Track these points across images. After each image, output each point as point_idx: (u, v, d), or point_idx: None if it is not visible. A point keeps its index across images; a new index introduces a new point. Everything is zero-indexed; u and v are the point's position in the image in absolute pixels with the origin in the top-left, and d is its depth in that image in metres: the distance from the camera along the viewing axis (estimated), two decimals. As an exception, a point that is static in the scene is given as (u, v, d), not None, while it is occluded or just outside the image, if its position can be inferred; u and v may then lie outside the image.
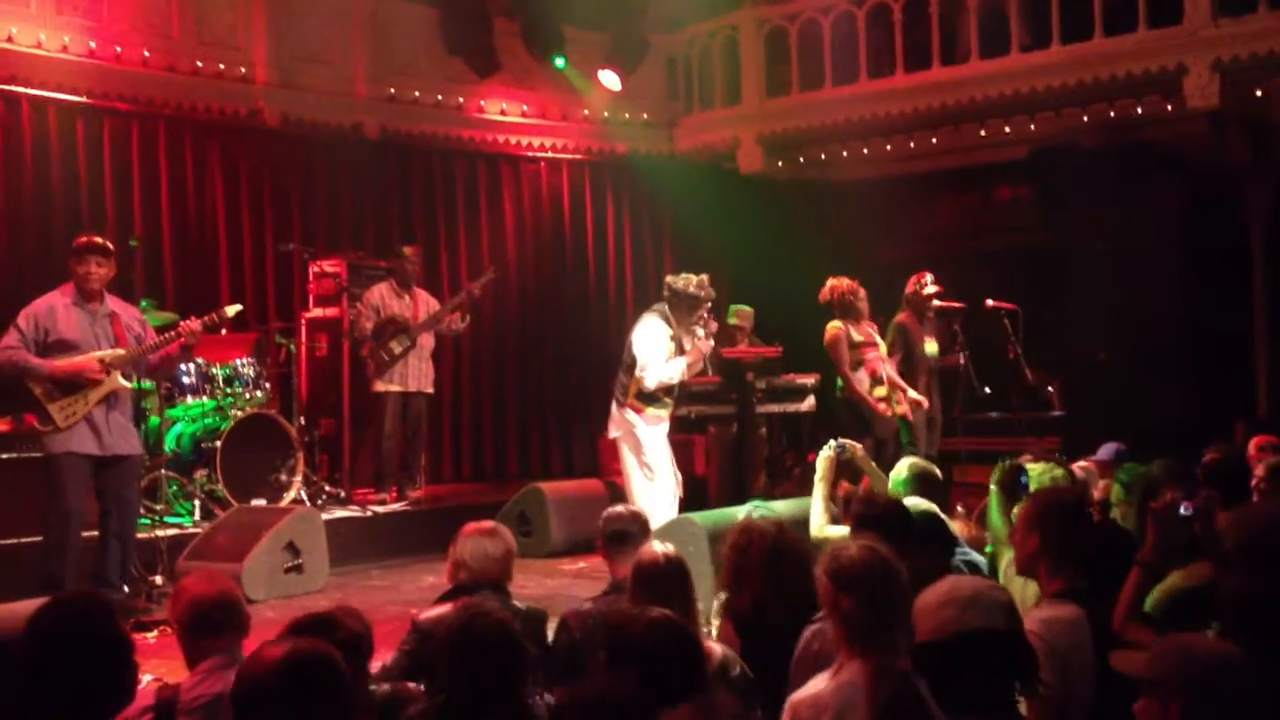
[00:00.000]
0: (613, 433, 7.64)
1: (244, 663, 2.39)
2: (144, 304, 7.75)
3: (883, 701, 2.79)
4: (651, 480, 7.40)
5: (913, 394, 8.55)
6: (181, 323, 6.61)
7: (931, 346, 8.91)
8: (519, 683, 2.94)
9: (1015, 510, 3.91)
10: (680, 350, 7.52)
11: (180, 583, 3.38)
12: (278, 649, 2.36)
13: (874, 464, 5.65)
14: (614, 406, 7.61)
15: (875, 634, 2.93)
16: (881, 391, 8.57)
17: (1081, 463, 5.70)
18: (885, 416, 8.50)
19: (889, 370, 8.51)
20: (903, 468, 5.15)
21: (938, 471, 5.23)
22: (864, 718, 2.80)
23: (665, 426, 7.64)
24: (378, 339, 9.15)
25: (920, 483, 4.99)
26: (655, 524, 5.78)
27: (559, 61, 11.71)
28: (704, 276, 7.63)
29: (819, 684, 2.98)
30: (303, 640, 2.42)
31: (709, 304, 7.57)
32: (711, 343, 7.74)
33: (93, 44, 9.44)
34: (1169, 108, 10.14)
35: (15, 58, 9.04)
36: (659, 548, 3.77)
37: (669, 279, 7.73)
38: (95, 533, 6.42)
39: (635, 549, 4.25)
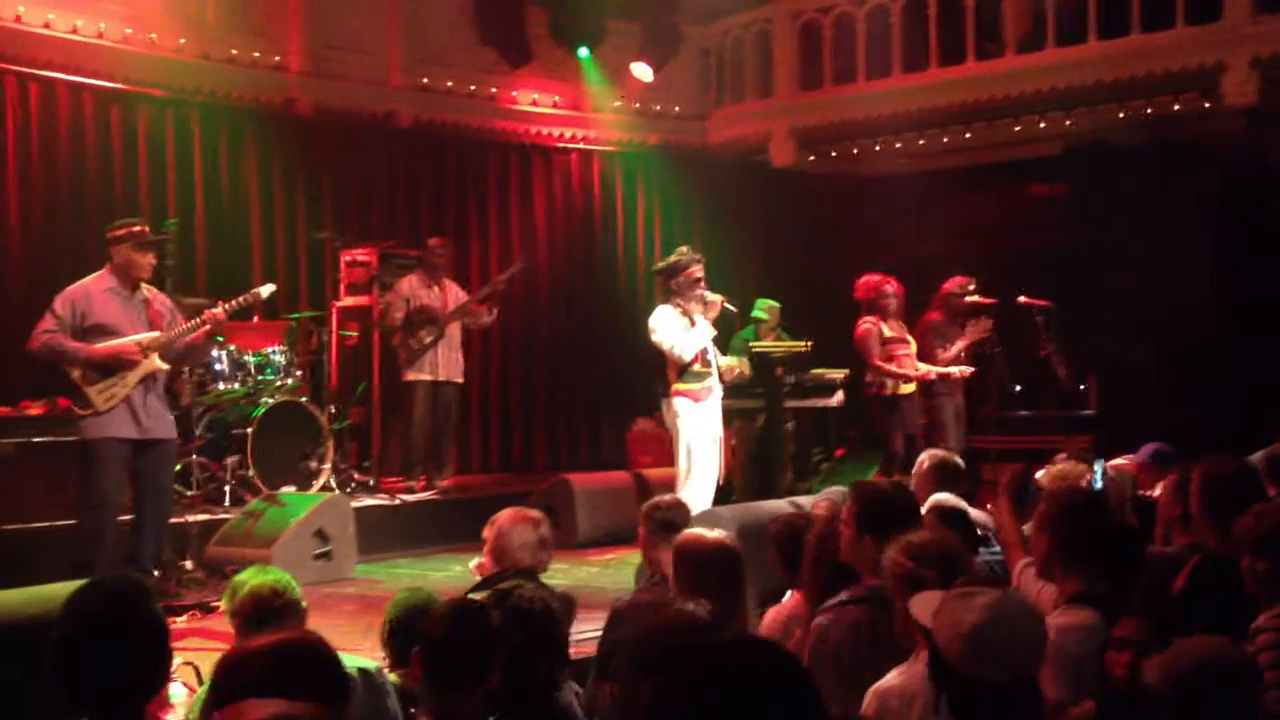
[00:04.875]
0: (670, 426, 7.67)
1: (226, 651, 2.38)
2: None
3: None
4: (689, 472, 7.39)
5: (953, 370, 8.53)
6: (207, 311, 6.64)
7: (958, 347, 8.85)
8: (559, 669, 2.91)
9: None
10: (694, 324, 7.52)
11: (236, 576, 3.45)
12: (263, 639, 2.34)
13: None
14: (663, 405, 7.63)
15: None
16: (910, 389, 8.55)
17: (1116, 461, 5.64)
18: (913, 411, 8.48)
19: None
20: (924, 459, 5.14)
21: (960, 462, 5.21)
22: None
23: (717, 399, 7.61)
24: (407, 329, 9.20)
25: (942, 475, 4.97)
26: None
27: (583, 51, 11.67)
28: (680, 248, 7.78)
29: (905, 672, 2.92)
30: (292, 631, 2.41)
31: (697, 263, 7.54)
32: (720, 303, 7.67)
33: (128, 30, 9.48)
34: (1206, 105, 10.05)
35: (51, 43, 9.09)
36: (709, 533, 3.69)
37: (654, 269, 7.85)
38: (129, 517, 6.44)
39: None
